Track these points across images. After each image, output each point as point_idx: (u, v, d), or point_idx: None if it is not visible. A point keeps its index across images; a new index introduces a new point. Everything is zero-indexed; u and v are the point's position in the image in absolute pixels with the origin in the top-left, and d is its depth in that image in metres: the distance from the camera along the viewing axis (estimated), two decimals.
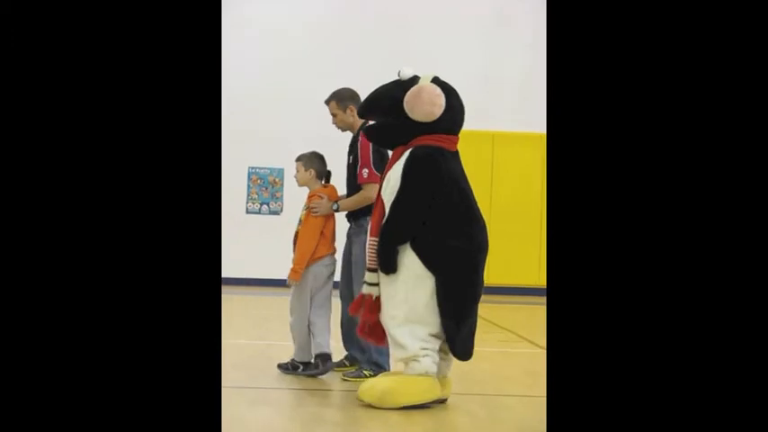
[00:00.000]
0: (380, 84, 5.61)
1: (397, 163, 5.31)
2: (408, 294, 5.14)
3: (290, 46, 13.42)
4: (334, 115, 6.28)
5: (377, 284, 5.27)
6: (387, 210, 5.27)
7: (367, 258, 5.34)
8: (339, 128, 6.35)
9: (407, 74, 5.41)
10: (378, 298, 5.28)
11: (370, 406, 5.13)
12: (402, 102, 5.28)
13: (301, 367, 6.11)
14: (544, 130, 12.66)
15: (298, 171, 6.29)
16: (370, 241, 5.31)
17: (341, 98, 6.25)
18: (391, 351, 5.41)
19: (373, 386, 5.23)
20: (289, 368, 6.15)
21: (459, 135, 5.49)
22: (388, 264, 5.16)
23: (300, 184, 6.36)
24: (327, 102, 6.30)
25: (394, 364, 5.86)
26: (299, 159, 6.32)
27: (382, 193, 5.36)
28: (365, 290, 5.34)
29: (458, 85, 5.58)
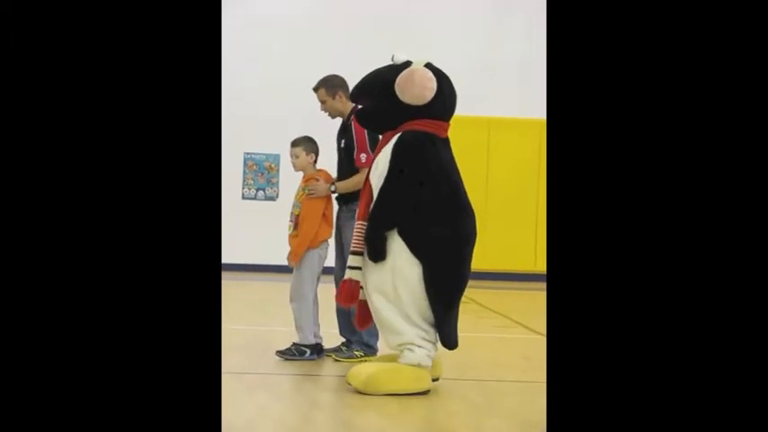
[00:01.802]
0: (380, 66, 5.56)
1: (386, 147, 5.26)
2: (397, 281, 5.11)
3: (287, 31, 13.40)
4: (323, 102, 6.25)
5: (360, 268, 5.22)
6: (375, 195, 5.24)
7: (353, 242, 5.32)
8: (329, 114, 6.34)
9: (401, 58, 5.38)
10: (358, 282, 5.24)
11: (357, 391, 5.14)
12: (393, 85, 5.23)
13: (308, 351, 6.08)
14: (540, 116, 12.68)
15: (298, 156, 6.24)
16: (358, 225, 5.29)
17: (330, 85, 6.23)
18: (385, 337, 5.37)
19: (360, 371, 5.23)
20: (294, 354, 6.09)
21: (455, 120, 5.49)
22: (376, 250, 5.12)
23: (298, 169, 6.33)
24: (316, 89, 6.26)
25: (382, 348, 5.92)
26: (297, 144, 6.27)
27: (371, 177, 5.31)
28: (350, 274, 5.27)
29: (454, 70, 5.58)
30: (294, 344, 6.14)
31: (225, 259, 11.74)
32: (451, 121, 5.43)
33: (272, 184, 13.54)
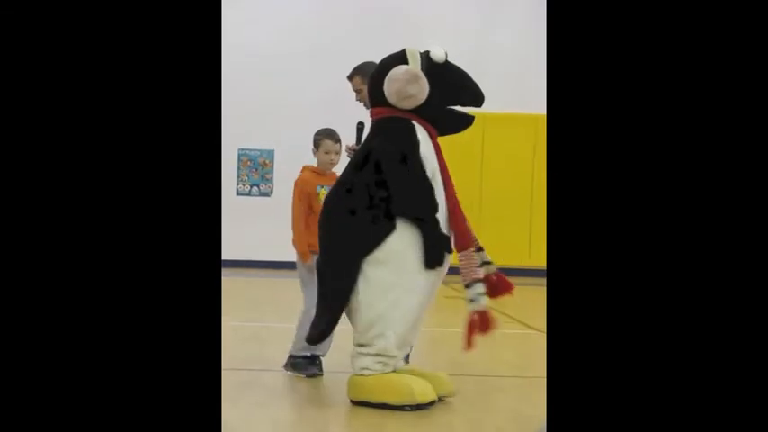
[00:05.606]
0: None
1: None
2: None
3: (282, 24, 13.37)
4: (358, 91, 5.77)
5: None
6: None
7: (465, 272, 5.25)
8: (364, 104, 5.73)
9: (440, 56, 5.11)
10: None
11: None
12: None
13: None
14: (534, 111, 12.68)
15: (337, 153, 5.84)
16: (462, 256, 5.21)
17: (365, 72, 5.65)
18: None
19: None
20: (314, 363, 5.52)
21: None
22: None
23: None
24: (350, 77, 5.82)
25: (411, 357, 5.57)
26: (338, 139, 5.85)
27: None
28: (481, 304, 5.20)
29: None
30: (316, 355, 5.58)
31: None
32: None
33: (267, 180, 13.50)
